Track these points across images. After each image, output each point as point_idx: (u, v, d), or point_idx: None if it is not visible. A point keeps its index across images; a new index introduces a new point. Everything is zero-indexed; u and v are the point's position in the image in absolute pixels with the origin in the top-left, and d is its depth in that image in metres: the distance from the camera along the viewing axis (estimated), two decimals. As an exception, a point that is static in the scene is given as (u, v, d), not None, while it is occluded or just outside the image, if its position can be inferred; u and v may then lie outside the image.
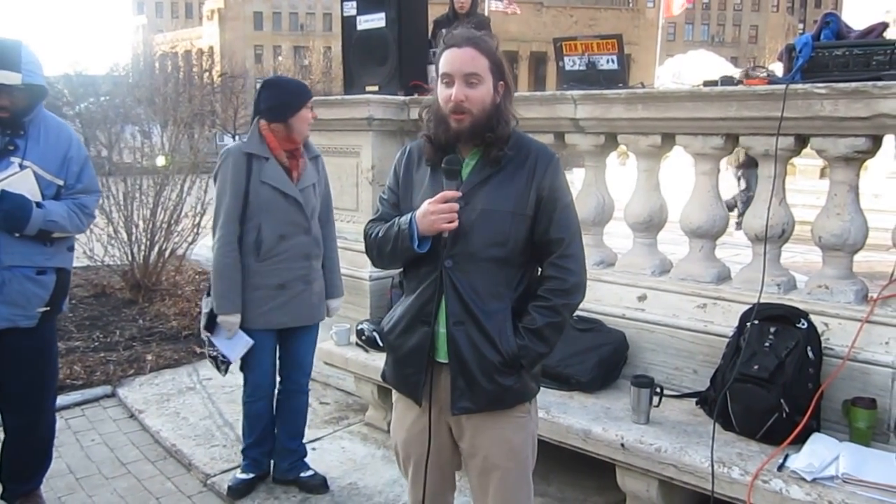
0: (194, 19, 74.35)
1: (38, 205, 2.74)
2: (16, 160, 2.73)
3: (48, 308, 2.87)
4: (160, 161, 7.34)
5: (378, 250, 2.12)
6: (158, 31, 66.44)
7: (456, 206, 1.94)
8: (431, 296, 2.02)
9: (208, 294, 3.22)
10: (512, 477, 2.11)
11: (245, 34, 68.38)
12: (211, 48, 63.58)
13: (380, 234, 2.09)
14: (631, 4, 70.15)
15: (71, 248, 2.99)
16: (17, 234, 2.72)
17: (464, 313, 1.99)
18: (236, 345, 3.18)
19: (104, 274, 7.14)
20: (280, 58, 65.54)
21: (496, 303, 2.00)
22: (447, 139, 2.00)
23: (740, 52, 62.21)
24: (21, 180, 2.72)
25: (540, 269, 2.11)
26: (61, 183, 2.86)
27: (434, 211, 1.93)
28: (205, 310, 3.22)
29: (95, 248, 6.78)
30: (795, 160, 9.09)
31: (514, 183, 2.00)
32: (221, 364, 3.24)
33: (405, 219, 2.02)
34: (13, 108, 2.71)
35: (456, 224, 1.94)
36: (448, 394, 2.03)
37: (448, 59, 1.96)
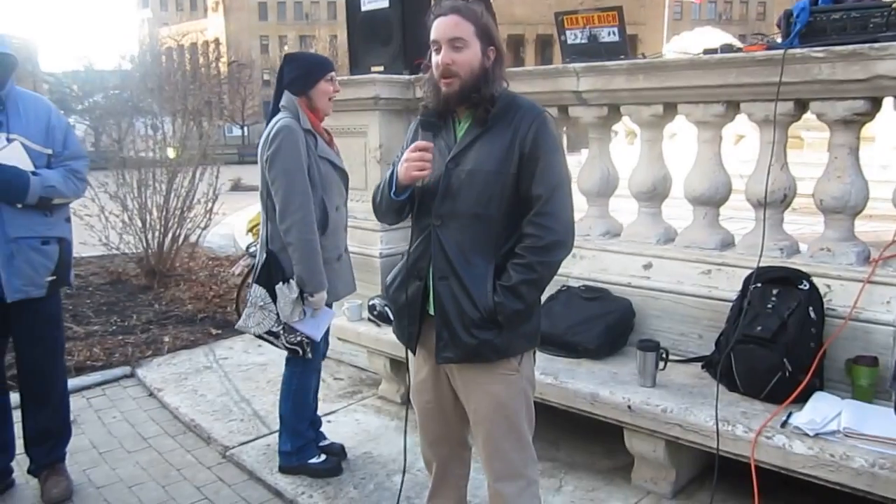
0: (198, 11, 74.20)
1: (34, 173, 2.82)
2: (2, 135, 2.81)
3: (55, 277, 2.97)
4: (171, 153, 7.44)
5: (374, 203, 2.29)
6: (164, 24, 66.53)
7: (428, 154, 2.05)
8: (423, 252, 2.16)
9: (284, 281, 3.02)
10: (499, 430, 2.19)
11: (250, 25, 68.25)
12: (217, 40, 63.59)
13: (377, 188, 2.25)
14: (637, -16, 69.51)
15: (68, 220, 3.09)
16: (19, 205, 2.80)
17: (447, 269, 2.10)
18: (321, 321, 3.17)
19: (119, 261, 7.28)
20: (286, 47, 65.41)
21: (480, 260, 2.09)
22: (438, 103, 2.10)
23: (748, 29, 61.45)
24: (11, 152, 2.79)
25: None
26: (50, 152, 2.94)
27: (407, 159, 2.07)
28: (291, 296, 3.00)
29: (111, 235, 6.91)
30: (803, 133, 9.11)
31: (500, 142, 2.06)
32: (307, 346, 3.16)
33: (390, 170, 2.17)
34: None
35: (427, 172, 2.06)
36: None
37: (435, 28, 2.08)
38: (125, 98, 8.17)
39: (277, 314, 3.07)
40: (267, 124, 3.16)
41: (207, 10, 70.37)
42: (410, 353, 2.33)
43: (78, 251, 7.16)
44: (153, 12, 72.18)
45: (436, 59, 2.08)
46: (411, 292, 2.19)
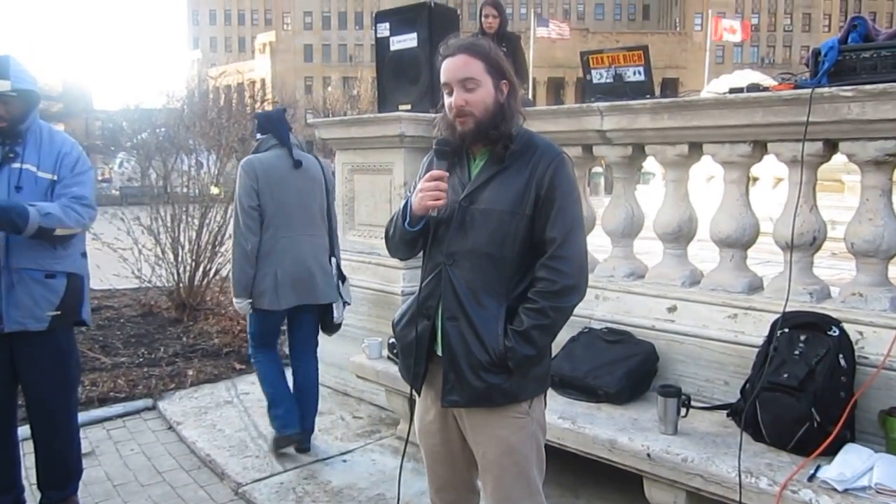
0: (247, 53, 76.66)
1: (32, 203, 2.78)
2: (16, 165, 2.87)
3: (59, 312, 2.92)
4: (214, 190, 7.55)
5: (387, 236, 2.23)
6: (212, 64, 68.60)
7: (443, 184, 2.00)
8: (433, 291, 2.09)
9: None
10: (509, 476, 2.11)
11: (296, 66, 70.15)
12: (263, 80, 65.28)
13: (390, 221, 2.21)
14: (678, 28, 69.76)
15: (84, 255, 3.08)
16: (21, 235, 2.76)
17: (458, 309, 2.03)
18: None
19: (152, 294, 7.38)
20: (329, 88, 66.92)
21: (492, 301, 2.03)
22: (455, 141, 2.06)
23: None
24: None
25: None
26: (55, 178, 2.94)
27: (422, 188, 2.02)
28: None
29: (143, 268, 7.03)
30: (844, 177, 8.92)
31: (516, 182, 2.02)
32: None
33: (404, 201, 2.12)
34: (10, 117, 2.84)
35: (443, 202, 2.00)
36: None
37: (444, 69, 2.04)
38: (170, 135, 8.36)
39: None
40: (291, 151, 3.75)
41: (255, 52, 72.52)
42: (416, 394, 2.27)
43: (112, 283, 7.37)
44: (203, 53, 74.62)
45: (448, 100, 2.04)
46: (419, 331, 2.13)
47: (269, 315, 3.73)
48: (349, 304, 4.06)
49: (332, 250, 3.93)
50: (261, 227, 3.65)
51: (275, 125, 3.80)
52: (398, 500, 2.47)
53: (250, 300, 3.67)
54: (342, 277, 3.97)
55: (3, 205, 2.72)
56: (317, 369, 4.01)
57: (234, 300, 3.77)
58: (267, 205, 3.64)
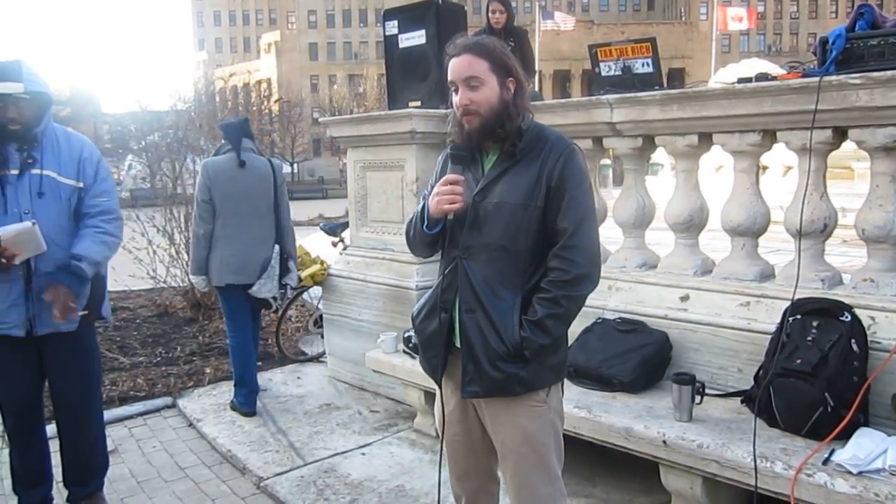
0: (252, 53, 76.73)
1: (78, 258, 2.84)
2: (36, 171, 2.86)
3: (86, 311, 2.99)
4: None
5: (408, 237, 2.29)
6: (218, 65, 68.71)
7: (458, 188, 2.05)
8: (449, 284, 2.14)
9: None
10: (527, 463, 2.15)
11: (301, 65, 70.19)
12: (268, 80, 65.44)
13: (409, 221, 2.26)
14: (683, 18, 69.42)
15: None
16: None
17: (474, 302, 2.08)
18: None
19: (167, 295, 7.45)
20: (335, 86, 67.00)
21: (507, 293, 2.07)
22: (462, 140, 2.11)
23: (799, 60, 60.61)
24: (29, 235, 2.75)
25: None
26: (81, 185, 2.96)
27: (438, 192, 2.07)
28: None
29: (158, 269, 7.10)
30: (854, 164, 8.89)
31: (528, 175, 2.05)
32: None
33: (421, 204, 2.17)
34: (23, 121, 2.83)
35: (459, 206, 2.05)
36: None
37: (450, 69, 2.08)
38: (180, 137, 8.42)
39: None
40: (240, 153, 4.39)
41: (260, 52, 72.63)
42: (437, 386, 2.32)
43: (128, 284, 7.45)
44: (208, 54, 74.77)
45: (455, 99, 2.08)
46: (437, 324, 2.17)
47: (226, 291, 4.46)
48: (293, 288, 4.75)
49: (281, 239, 4.54)
50: (213, 217, 4.36)
51: (229, 132, 4.54)
52: (438, 489, 2.49)
53: (204, 276, 4.43)
54: (287, 263, 4.57)
55: (67, 281, 2.82)
56: (255, 337, 4.75)
57: (191, 277, 4.57)
58: (216, 198, 4.36)
